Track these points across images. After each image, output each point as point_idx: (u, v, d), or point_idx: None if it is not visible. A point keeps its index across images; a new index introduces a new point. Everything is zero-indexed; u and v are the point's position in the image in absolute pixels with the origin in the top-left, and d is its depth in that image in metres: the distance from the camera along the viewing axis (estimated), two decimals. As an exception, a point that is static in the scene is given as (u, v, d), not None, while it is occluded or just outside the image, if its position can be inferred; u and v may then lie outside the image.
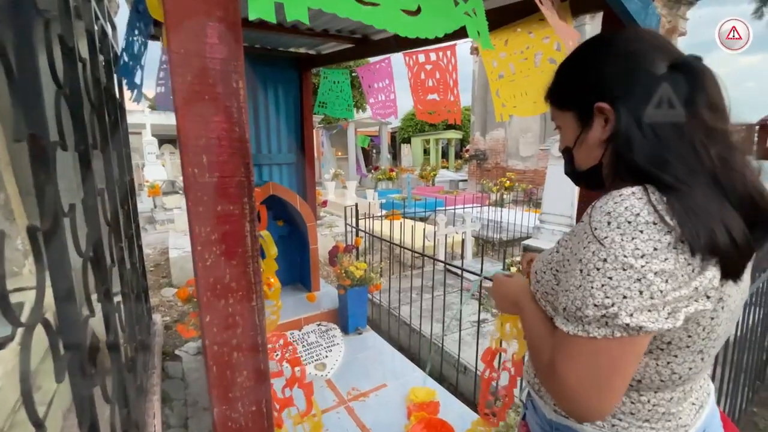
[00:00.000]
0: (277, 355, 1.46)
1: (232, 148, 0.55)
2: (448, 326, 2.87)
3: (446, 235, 3.88)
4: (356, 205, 3.64)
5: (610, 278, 0.54)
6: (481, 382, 1.30)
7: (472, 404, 2.29)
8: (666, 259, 0.52)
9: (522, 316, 0.78)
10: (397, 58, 2.37)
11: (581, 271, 0.57)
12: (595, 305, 0.54)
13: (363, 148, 16.30)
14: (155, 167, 11.64)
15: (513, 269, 3.93)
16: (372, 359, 2.45)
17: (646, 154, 0.58)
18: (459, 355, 2.46)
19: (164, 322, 3.42)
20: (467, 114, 15.37)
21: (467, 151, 13.85)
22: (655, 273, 0.52)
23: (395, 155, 22.44)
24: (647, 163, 0.58)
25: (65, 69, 1.09)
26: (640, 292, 0.52)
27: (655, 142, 0.58)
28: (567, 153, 0.73)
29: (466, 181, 13.55)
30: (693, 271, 0.53)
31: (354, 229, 3.52)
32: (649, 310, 0.53)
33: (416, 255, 2.79)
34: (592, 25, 8.29)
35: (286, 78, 3.04)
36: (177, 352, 2.95)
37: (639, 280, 0.52)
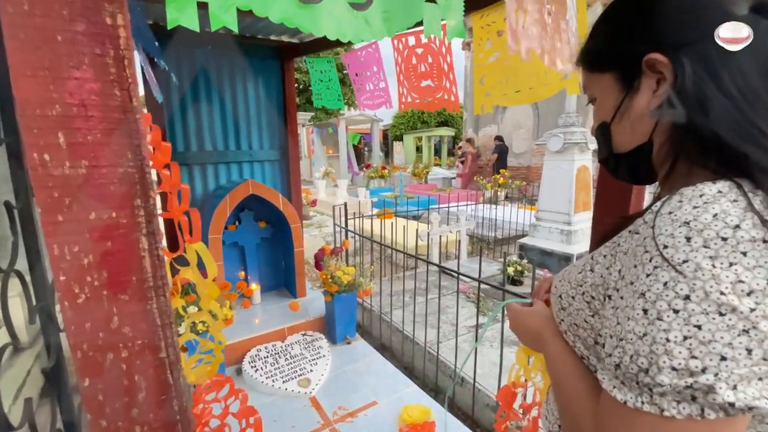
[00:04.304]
0: (221, 406, 1.21)
1: (110, 123, 0.35)
2: (444, 333, 2.68)
3: (440, 235, 3.69)
4: (345, 204, 3.43)
5: (699, 327, 0.35)
6: (495, 423, 1.10)
7: (471, 419, 2.11)
8: None
9: (546, 360, 0.58)
10: (385, 43, 2.17)
11: (646, 311, 0.38)
12: (675, 369, 0.35)
13: (354, 146, 16.06)
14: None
15: (510, 270, 3.76)
16: (361, 372, 2.26)
17: (732, 122, 0.40)
18: (455, 365, 2.28)
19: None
20: (460, 111, 15.19)
21: (460, 148, 13.68)
22: None
23: (387, 153, 22.23)
24: (734, 134, 0.40)
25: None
26: (749, 351, 0.34)
27: (742, 104, 0.40)
28: (603, 132, 0.54)
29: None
30: None
31: (343, 230, 3.33)
32: (761, 379, 0.34)
33: (409, 256, 2.59)
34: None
35: (267, 68, 2.82)
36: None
37: (746, 331, 0.34)
